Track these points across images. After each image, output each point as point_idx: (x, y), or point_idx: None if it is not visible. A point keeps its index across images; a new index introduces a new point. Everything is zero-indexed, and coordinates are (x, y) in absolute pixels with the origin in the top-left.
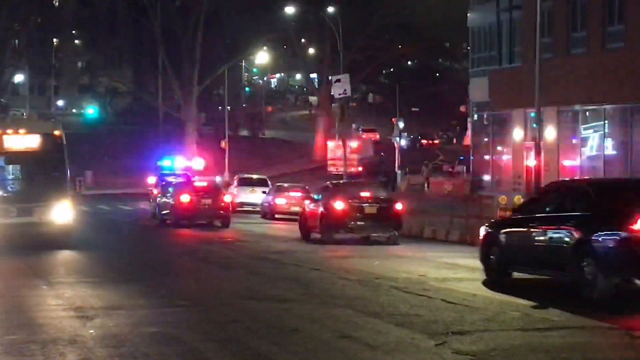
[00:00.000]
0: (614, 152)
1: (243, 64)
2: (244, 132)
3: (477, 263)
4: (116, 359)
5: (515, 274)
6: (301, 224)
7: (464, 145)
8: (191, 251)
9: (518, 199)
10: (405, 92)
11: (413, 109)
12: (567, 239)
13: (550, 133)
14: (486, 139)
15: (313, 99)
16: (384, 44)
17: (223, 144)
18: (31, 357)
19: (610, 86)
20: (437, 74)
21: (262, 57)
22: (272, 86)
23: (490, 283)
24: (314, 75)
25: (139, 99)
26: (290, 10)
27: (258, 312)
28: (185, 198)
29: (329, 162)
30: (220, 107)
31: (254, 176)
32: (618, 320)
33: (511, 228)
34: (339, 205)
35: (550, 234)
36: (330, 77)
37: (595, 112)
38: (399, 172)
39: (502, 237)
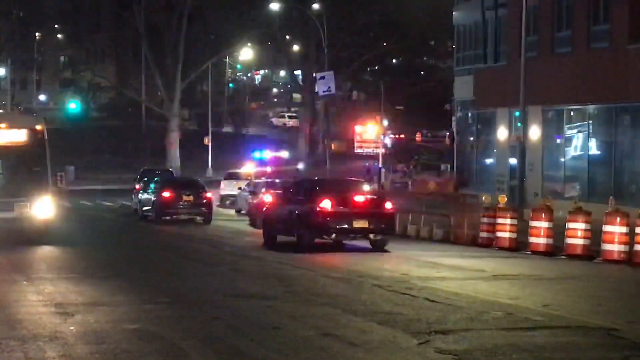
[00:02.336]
0: (598, 152)
1: (227, 60)
2: (228, 129)
3: (461, 262)
4: (97, 356)
5: None
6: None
7: (447, 144)
8: (173, 247)
9: (502, 199)
10: (389, 90)
11: (397, 107)
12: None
13: (534, 132)
14: (471, 138)
15: (297, 95)
16: (368, 41)
17: (206, 140)
18: (10, 353)
19: (594, 86)
20: (422, 72)
21: (246, 53)
22: (256, 82)
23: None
24: (298, 72)
25: (122, 94)
26: (274, 6)
27: (240, 309)
28: (166, 194)
29: (356, 144)
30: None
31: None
32: (599, 319)
33: None
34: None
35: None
36: (314, 74)
37: (579, 111)
38: (383, 169)
39: None
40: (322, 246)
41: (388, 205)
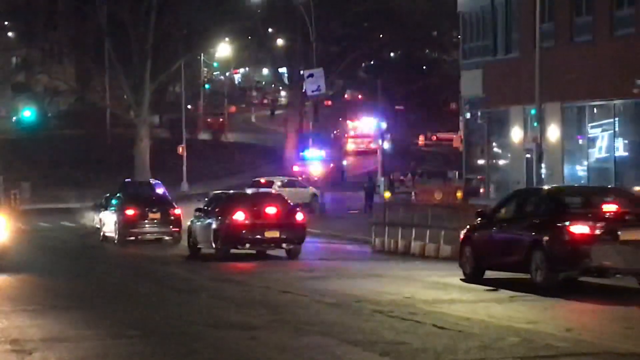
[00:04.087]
0: (626, 154)
1: (202, 57)
2: (205, 136)
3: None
4: None
5: None
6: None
7: (454, 148)
8: (144, 273)
9: None
10: (387, 88)
11: (397, 107)
12: None
13: (553, 132)
14: (480, 140)
15: (282, 96)
16: (362, 33)
17: (180, 149)
18: None
19: (620, 78)
20: (424, 67)
21: (224, 49)
22: (236, 82)
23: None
24: (283, 70)
25: (83, 99)
26: None
27: (221, 341)
28: (130, 212)
29: (349, 140)
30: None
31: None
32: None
33: None
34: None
35: None
36: (302, 72)
37: (603, 108)
38: (382, 179)
39: None
40: (241, 255)
41: (299, 216)
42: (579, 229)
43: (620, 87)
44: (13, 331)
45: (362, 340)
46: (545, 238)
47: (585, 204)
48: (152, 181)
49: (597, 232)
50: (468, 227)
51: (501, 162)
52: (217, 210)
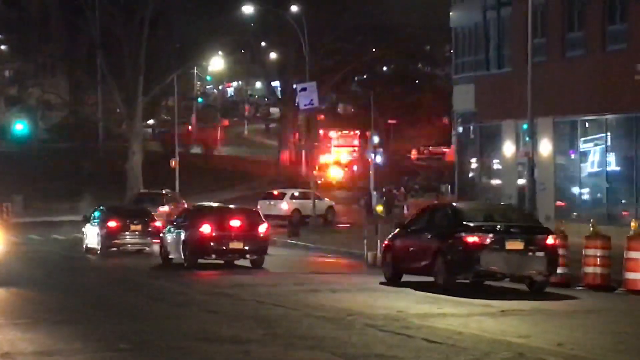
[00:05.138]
0: (618, 169)
1: (195, 71)
2: (197, 149)
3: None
4: None
5: None
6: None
7: (447, 162)
8: (135, 286)
9: None
10: (380, 102)
11: (389, 121)
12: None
13: (545, 147)
14: (473, 155)
15: (275, 110)
16: (355, 47)
17: (173, 163)
18: None
19: (612, 93)
20: (417, 81)
21: (217, 63)
22: (229, 96)
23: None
24: (276, 84)
25: (76, 112)
26: (248, 9)
27: (213, 356)
28: (112, 224)
29: (334, 149)
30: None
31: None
32: None
33: None
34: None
35: None
36: (294, 86)
37: (595, 122)
38: (375, 193)
39: None
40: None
41: (262, 228)
42: (471, 238)
43: (612, 102)
44: (4, 345)
45: (354, 354)
46: (445, 246)
47: (480, 219)
48: (164, 191)
49: (487, 241)
50: (389, 236)
51: (493, 176)
52: (186, 222)
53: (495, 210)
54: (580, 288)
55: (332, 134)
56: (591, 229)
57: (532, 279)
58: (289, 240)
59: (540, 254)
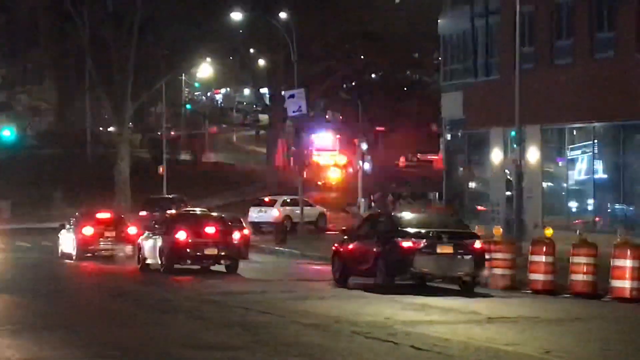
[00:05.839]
0: (605, 176)
1: (183, 77)
2: (185, 156)
3: (452, 303)
4: None
5: None
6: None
7: (436, 169)
8: (122, 293)
9: (497, 231)
10: (369, 109)
11: (378, 128)
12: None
13: (532, 155)
14: (461, 162)
15: (264, 117)
16: (344, 54)
17: (161, 169)
18: None
19: (599, 101)
20: (405, 89)
21: (205, 69)
22: (217, 103)
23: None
24: (264, 90)
25: (64, 118)
26: (237, 16)
27: None
28: (87, 230)
29: (315, 152)
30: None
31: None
32: None
33: None
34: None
35: None
36: (283, 92)
37: (583, 130)
38: (363, 200)
39: None
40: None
41: (236, 235)
42: (406, 243)
43: (600, 110)
44: None
45: None
46: (384, 250)
47: (416, 226)
48: (172, 195)
49: (420, 246)
50: (337, 242)
51: (481, 183)
52: (162, 229)
53: (431, 218)
54: (567, 296)
55: (313, 136)
56: (578, 236)
57: (461, 280)
58: (276, 248)
59: (468, 257)
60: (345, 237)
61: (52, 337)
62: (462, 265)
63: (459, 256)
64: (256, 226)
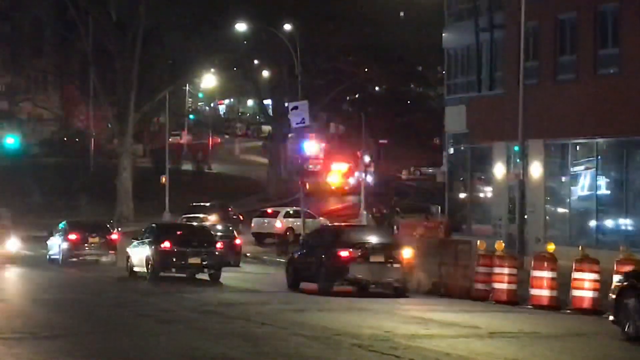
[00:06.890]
0: (608, 192)
1: (187, 88)
2: (188, 166)
3: (453, 317)
4: None
5: None
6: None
7: (438, 183)
8: (122, 302)
9: (499, 245)
10: (372, 121)
11: (381, 141)
12: None
13: (535, 169)
14: (463, 176)
15: (266, 128)
16: (348, 66)
17: (163, 179)
18: None
19: (603, 117)
20: (409, 102)
21: (209, 80)
22: (221, 113)
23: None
24: (268, 102)
25: (67, 127)
26: (241, 27)
27: None
28: (73, 237)
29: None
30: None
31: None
32: None
33: None
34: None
35: None
36: (286, 104)
37: (586, 146)
38: (364, 213)
39: None
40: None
41: (218, 245)
42: (344, 253)
43: (603, 126)
44: None
45: None
46: (325, 259)
47: (354, 237)
48: (209, 204)
49: (356, 255)
50: (292, 252)
51: (483, 197)
52: (149, 238)
53: (368, 230)
54: (568, 311)
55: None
56: (580, 252)
57: (392, 285)
58: (277, 259)
59: (397, 265)
60: (299, 246)
61: (51, 346)
62: (392, 273)
63: (389, 264)
64: (259, 237)
